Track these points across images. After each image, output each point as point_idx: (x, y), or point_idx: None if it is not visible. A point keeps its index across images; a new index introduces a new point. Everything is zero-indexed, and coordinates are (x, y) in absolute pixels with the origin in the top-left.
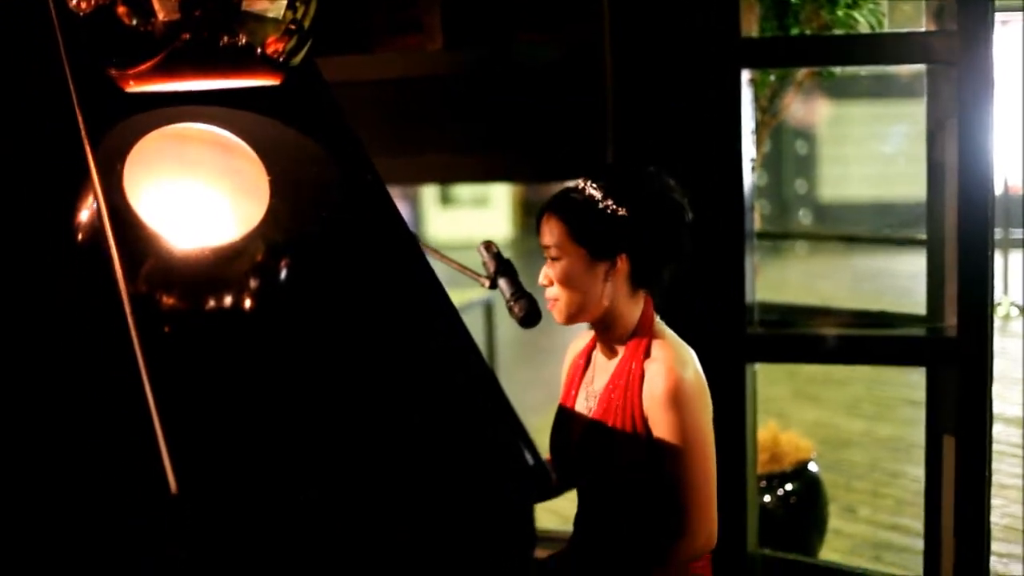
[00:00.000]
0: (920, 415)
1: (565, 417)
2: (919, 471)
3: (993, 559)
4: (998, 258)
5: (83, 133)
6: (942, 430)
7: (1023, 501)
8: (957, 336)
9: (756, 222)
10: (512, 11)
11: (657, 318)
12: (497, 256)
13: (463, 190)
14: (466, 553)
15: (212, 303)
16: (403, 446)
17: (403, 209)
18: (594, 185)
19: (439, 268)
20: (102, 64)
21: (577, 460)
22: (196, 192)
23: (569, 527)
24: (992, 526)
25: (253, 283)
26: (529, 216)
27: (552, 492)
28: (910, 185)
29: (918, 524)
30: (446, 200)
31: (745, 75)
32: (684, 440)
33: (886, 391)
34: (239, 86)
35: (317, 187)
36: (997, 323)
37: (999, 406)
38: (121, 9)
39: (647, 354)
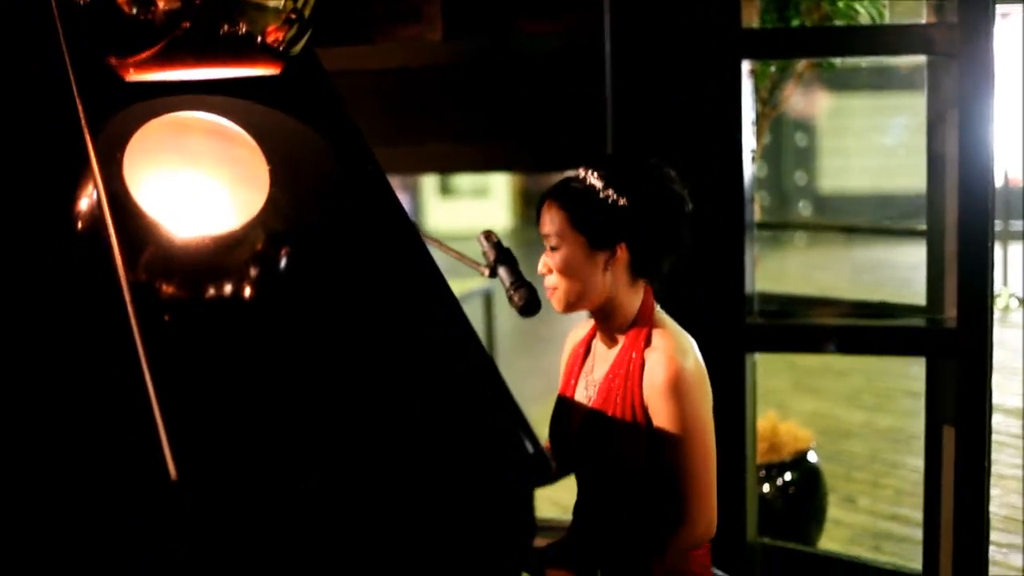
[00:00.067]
0: (919, 406)
1: (565, 406)
2: (918, 462)
3: (992, 549)
4: (998, 250)
5: (83, 121)
6: (942, 421)
7: (1022, 491)
8: (957, 327)
9: (756, 213)
10: (512, 1)
11: (658, 307)
12: (497, 245)
13: (463, 180)
14: (466, 541)
15: (212, 292)
16: (403, 435)
17: (403, 199)
18: (595, 174)
19: (439, 257)
20: (102, 52)
21: (577, 449)
22: (196, 181)
23: (568, 516)
24: (991, 516)
25: (253, 272)
26: (529, 207)
27: (552, 479)
28: (910, 177)
29: (917, 514)
30: (446, 190)
31: (745, 66)
32: (684, 429)
33: (886, 382)
34: (239, 75)
35: (317, 176)
36: (996, 314)
37: (998, 397)
38: None
39: (647, 343)
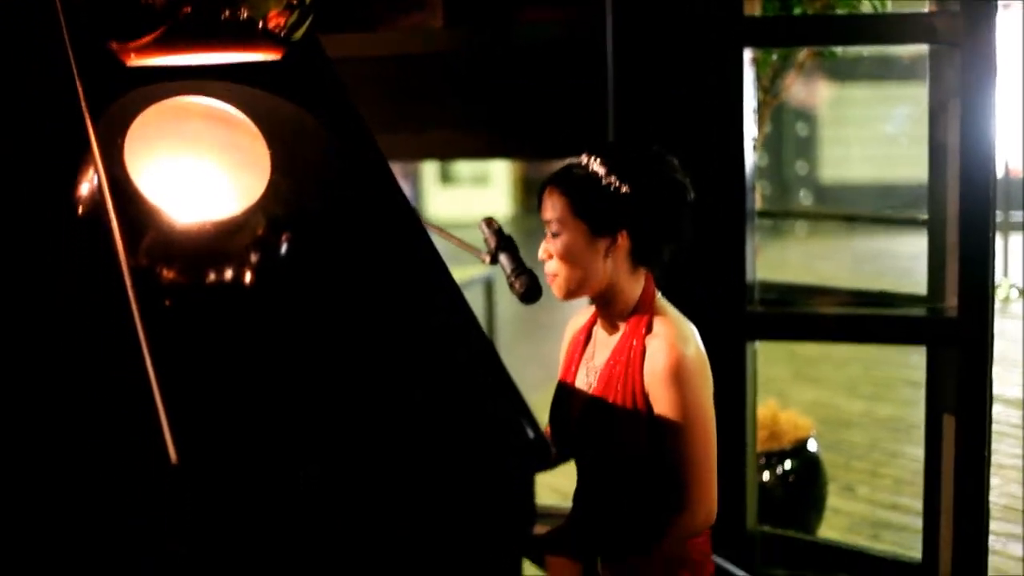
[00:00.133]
0: (919, 395)
1: (565, 393)
2: (918, 451)
3: (991, 538)
4: (998, 240)
5: (84, 106)
6: (942, 410)
7: (1022, 481)
8: (958, 316)
9: (756, 202)
10: None
11: (659, 295)
12: (498, 232)
13: (463, 168)
14: (466, 528)
15: (212, 277)
16: (403, 421)
17: (403, 187)
18: (598, 161)
19: (440, 244)
20: (103, 37)
21: (577, 436)
22: (197, 166)
23: (568, 503)
24: (991, 506)
25: (254, 257)
26: (529, 195)
27: (552, 464)
28: (910, 167)
29: (917, 503)
30: (446, 178)
31: (747, 54)
32: (685, 416)
33: (885, 371)
34: (241, 61)
35: (318, 162)
36: (997, 305)
37: (998, 387)
38: None
39: (648, 330)
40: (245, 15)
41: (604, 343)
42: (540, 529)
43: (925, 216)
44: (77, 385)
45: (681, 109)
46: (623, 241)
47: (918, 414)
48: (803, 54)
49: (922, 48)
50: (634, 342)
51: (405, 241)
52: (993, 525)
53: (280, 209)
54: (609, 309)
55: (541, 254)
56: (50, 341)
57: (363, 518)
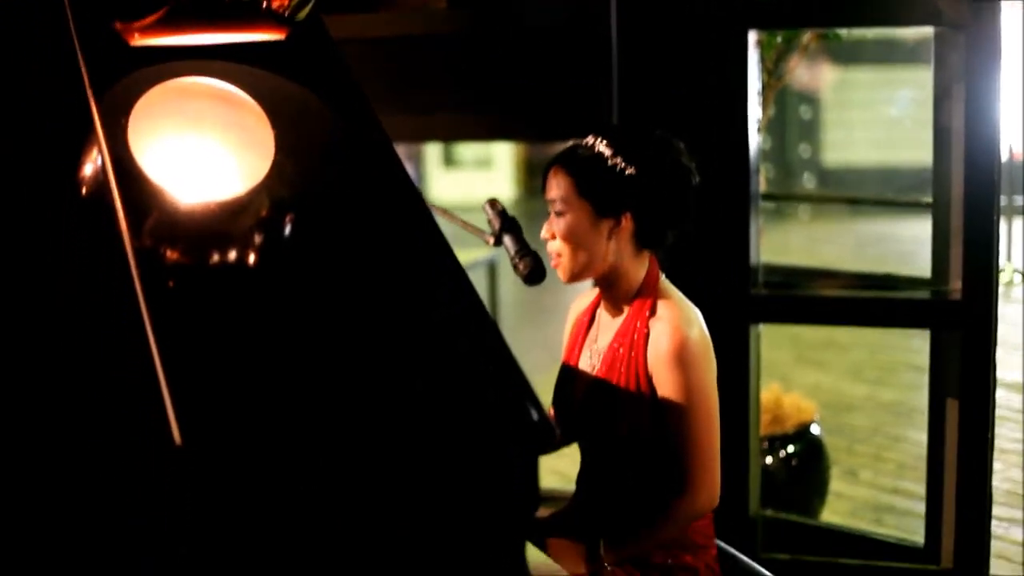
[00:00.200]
0: (922, 380)
1: (569, 375)
2: (921, 435)
3: (993, 523)
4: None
5: (88, 86)
6: (945, 394)
7: (1023, 466)
8: (962, 299)
9: (760, 185)
10: None
11: (663, 277)
12: (502, 214)
13: (466, 151)
14: (469, 512)
15: (216, 258)
16: (406, 402)
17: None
18: (604, 142)
19: (443, 226)
20: (107, 17)
21: (580, 418)
22: (201, 146)
23: (570, 486)
24: (992, 490)
25: (257, 238)
26: (533, 178)
27: (555, 446)
28: (914, 150)
29: (919, 488)
30: (449, 161)
31: (752, 37)
32: (688, 399)
33: (889, 356)
34: (244, 40)
35: (322, 143)
36: (1000, 289)
37: (1000, 372)
38: None
39: (652, 313)
40: None
41: (608, 325)
42: (543, 512)
43: (929, 199)
44: (80, 367)
45: (686, 91)
46: (627, 223)
47: (921, 398)
48: (807, 36)
49: (927, 31)
50: (638, 324)
51: (409, 222)
52: (994, 510)
53: (284, 190)
54: (613, 291)
55: (544, 233)
56: (54, 323)
57: (366, 503)
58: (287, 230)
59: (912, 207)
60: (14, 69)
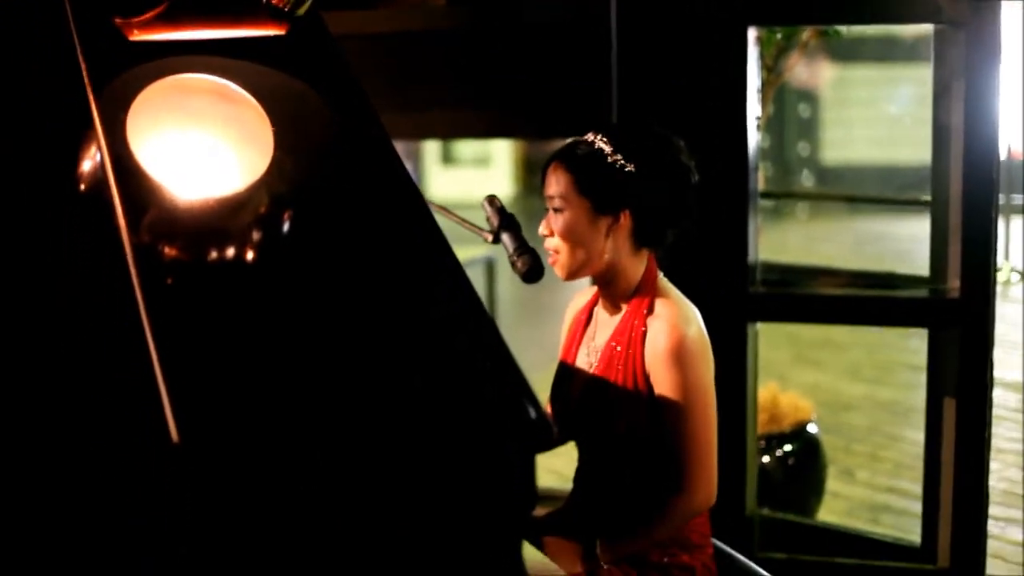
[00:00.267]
0: (919, 379)
1: (566, 373)
2: (918, 435)
3: (990, 523)
4: (999, 223)
5: (87, 82)
6: (943, 393)
7: (1022, 465)
8: (960, 298)
9: (759, 183)
10: None
11: (661, 276)
12: (501, 211)
13: (465, 149)
14: (466, 510)
15: (215, 254)
16: (405, 401)
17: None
18: (603, 139)
19: (441, 224)
20: (107, 12)
21: (577, 416)
22: (200, 142)
23: (567, 485)
24: (989, 490)
25: (256, 235)
26: (531, 176)
27: (553, 444)
28: (913, 148)
29: (916, 487)
30: (448, 159)
31: (752, 34)
32: (686, 397)
33: (886, 355)
34: (244, 36)
35: (321, 139)
36: (998, 288)
37: (998, 371)
38: None
39: (650, 311)
40: None
41: (606, 323)
42: (540, 511)
43: (928, 198)
44: (79, 365)
45: (685, 88)
46: (625, 220)
47: (918, 398)
48: (807, 33)
49: (926, 28)
50: (635, 322)
51: (408, 219)
52: (992, 509)
53: (283, 186)
54: (611, 289)
55: (542, 229)
56: (53, 321)
57: (363, 501)
58: (286, 226)
59: (911, 205)
60: (14, 66)
